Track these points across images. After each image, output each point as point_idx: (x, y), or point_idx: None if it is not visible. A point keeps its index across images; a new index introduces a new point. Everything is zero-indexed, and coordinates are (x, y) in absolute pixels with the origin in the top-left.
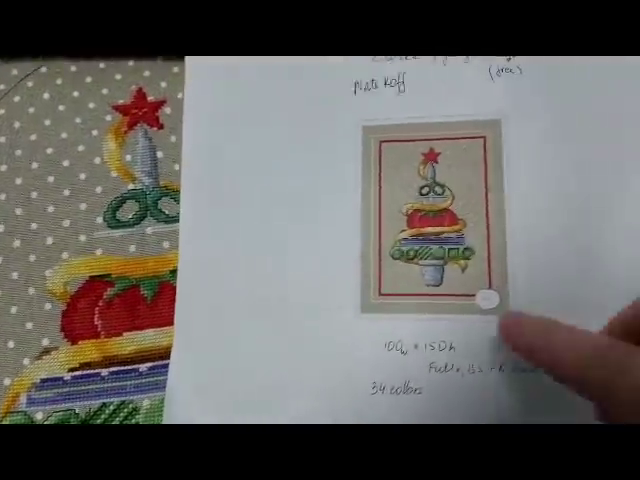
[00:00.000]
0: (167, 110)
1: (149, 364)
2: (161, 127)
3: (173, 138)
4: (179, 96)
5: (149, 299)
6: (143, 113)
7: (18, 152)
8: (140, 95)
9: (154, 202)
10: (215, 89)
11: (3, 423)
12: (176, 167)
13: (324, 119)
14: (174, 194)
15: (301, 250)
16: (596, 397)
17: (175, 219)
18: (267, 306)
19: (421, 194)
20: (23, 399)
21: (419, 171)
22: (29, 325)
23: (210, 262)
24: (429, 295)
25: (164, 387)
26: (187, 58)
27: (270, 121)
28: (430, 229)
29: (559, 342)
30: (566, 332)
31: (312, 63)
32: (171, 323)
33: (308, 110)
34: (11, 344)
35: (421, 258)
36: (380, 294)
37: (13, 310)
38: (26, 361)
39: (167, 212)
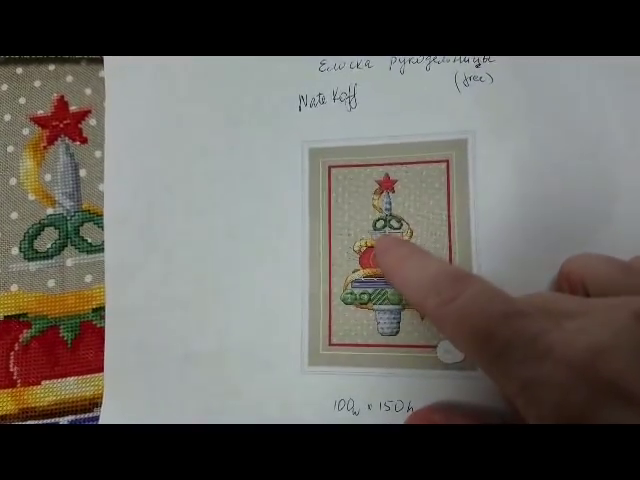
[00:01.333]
0: (92, 121)
1: (70, 417)
2: (85, 141)
3: (98, 154)
4: (105, 105)
5: (69, 342)
6: (65, 125)
7: None
8: (61, 104)
9: (75, 229)
10: (141, 96)
11: None
12: (101, 187)
13: (264, 139)
14: (98, 219)
15: (240, 292)
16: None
17: (99, 248)
18: (202, 355)
19: (375, 228)
20: None
21: (373, 201)
22: None
23: (139, 302)
24: (384, 346)
25: None
26: (106, 59)
27: (205, 140)
28: None
29: (410, 266)
30: (420, 258)
31: (252, 74)
32: (94, 370)
33: (248, 129)
34: None
35: (375, 303)
36: (330, 344)
37: None
38: None
39: (90, 240)
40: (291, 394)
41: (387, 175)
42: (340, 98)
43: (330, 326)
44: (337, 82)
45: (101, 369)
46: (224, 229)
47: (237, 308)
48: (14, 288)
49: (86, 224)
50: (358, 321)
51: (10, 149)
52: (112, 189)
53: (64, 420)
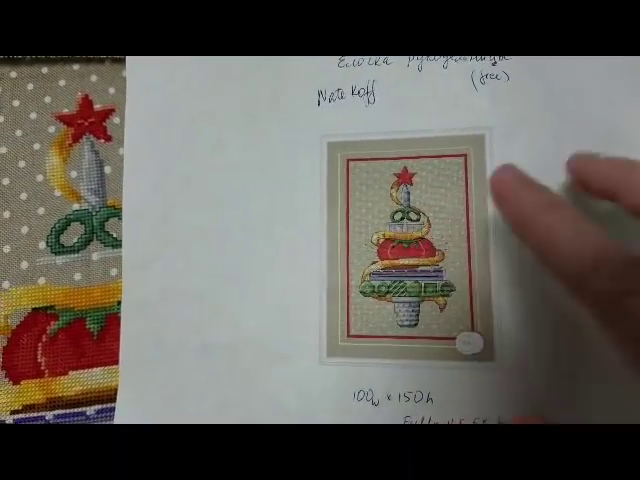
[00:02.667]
0: (115, 120)
1: (97, 407)
2: (109, 139)
3: (122, 151)
4: (126, 101)
5: (95, 334)
6: (90, 123)
7: None
8: (86, 103)
9: (100, 224)
10: (160, 94)
11: None
12: None
13: (283, 134)
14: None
15: (258, 284)
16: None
17: None
18: (218, 347)
19: (394, 220)
20: None
21: (391, 194)
22: None
23: (156, 294)
24: (404, 338)
25: None
26: (128, 59)
27: (223, 135)
28: (404, 261)
29: (560, 228)
30: (571, 217)
31: (269, 70)
32: (117, 362)
33: (265, 124)
34: None
35: (394, 294)
36: (348, 335)
37: None
38: None
39: (115, 235)
40: (310, 385)
41: (405, 168)
42: (359, 93)
43: (348, 318)
44: (356, 78)
45: None
46: (241, 222)
47: (253, 300)
48: (41, 281)
49: (111, 219)
50: (377, 313)
51: (36, 147)
52: (131, 183)
53: (91, 410)
